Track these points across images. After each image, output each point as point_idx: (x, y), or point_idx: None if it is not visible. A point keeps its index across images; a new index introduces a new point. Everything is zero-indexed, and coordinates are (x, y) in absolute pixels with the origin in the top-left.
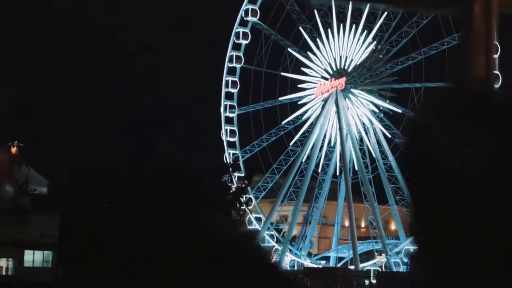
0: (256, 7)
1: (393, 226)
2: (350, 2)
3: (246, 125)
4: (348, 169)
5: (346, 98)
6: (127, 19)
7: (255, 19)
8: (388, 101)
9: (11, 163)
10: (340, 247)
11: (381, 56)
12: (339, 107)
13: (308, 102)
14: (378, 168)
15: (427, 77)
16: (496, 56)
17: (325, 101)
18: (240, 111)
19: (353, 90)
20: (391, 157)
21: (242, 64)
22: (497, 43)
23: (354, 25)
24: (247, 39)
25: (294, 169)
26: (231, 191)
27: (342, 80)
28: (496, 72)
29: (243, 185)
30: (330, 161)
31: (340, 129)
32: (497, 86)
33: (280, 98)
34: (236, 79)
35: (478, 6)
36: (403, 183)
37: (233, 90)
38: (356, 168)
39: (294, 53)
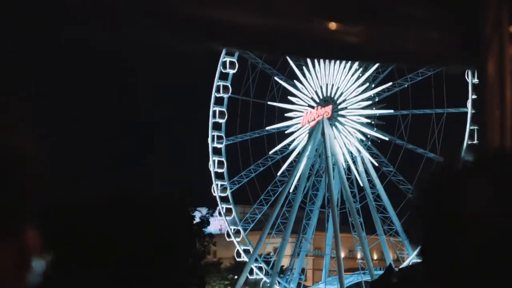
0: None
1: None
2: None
3: (234, 155)
4: (334, 199)
5: (333, 126)
6: None
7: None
8: (375, 129)
9: None
10: (329, 279)
11: (368, 83)
12: (325, 136)
13: (295, 131)
14: (366, 197)
15: (414, 104)
16: None
17: (312, 129)
18: (228, 142)
19: (339, 119)
20: (379, 186)
21: (229, 94)
22: None
23: None
24: (234, 69)
25: (281, 200)
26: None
27: (328, 108)
28: None
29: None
30: (318, 191)
31: (327, 158)
32: None
33: (267, 128)
34: (224, 109)
35: (491, 62)
36: (391, 212)
37: (220, 121)
38: (344, 198)
39: (280, 81)
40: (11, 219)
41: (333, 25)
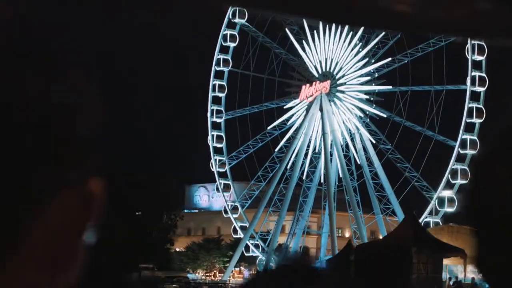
0: (244, 9)
1: (380, 236)
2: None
3: (233, 130)
4: (331, 176)
5: (331, 102)
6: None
7: (243, 21)
8: (374, 105)
9: None
10: (326, 257)
11: (367, 58)
12: (323, 112)
13: (294, 106)
14: (364, 175)
15: (413, 81)
16: (483, 58)
17: (310, 105)
18: (227, 116)
19: (338, 94)
20: (377, 164)
21: (230, 67)
22: (484, 44)
23: (340, 27)
24: (235, 42)
25: (277, 176)
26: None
27: (327, 83)
28: (483, 74)
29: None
30: (316, 168)
31: (324, 134)
32: (483, 89)
33: (266, 103)
34: (224, 83)
35: None
36: (388, 191)
37: (220, 95)
38: (340, 175)
39: (280, 55)
40: (75, 165)
41: None
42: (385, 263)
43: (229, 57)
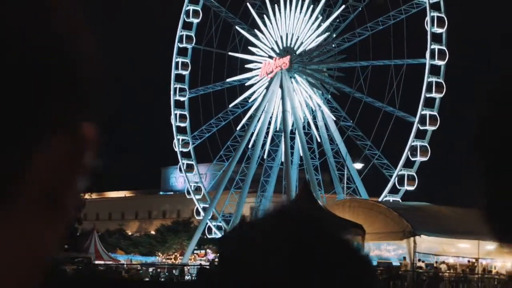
0: None
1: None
2: None
3: (195, 109)
4: (289, 154)
5: (292, 79)
6: None
7: None
8: (335, 81)
9: None
10: None
11: (328, 33)
12: (283, 88)
13: (255, 83)
14: (325, 153)
15: (374, 56)
16: (443, 30)
17: (270, 82)
18: (191, 94)
19: (299, 70)
20: (338, 141)
21: (193, 44)
22: (445, 17)
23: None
24: (198, 18)
25: (237, 155)
26: None
27: (286, 59)
28: (443, 47)
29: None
30: (278, 147)
31: (284, 112)
32: (443, 62)
33: (228, 80)
34: (187, 60)
35: None
36: (351, 170)
37: (184, 72)
38: (301, 154)
39: (241, 31)
40: (67, 108)
41: None
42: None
43: (192, 34)
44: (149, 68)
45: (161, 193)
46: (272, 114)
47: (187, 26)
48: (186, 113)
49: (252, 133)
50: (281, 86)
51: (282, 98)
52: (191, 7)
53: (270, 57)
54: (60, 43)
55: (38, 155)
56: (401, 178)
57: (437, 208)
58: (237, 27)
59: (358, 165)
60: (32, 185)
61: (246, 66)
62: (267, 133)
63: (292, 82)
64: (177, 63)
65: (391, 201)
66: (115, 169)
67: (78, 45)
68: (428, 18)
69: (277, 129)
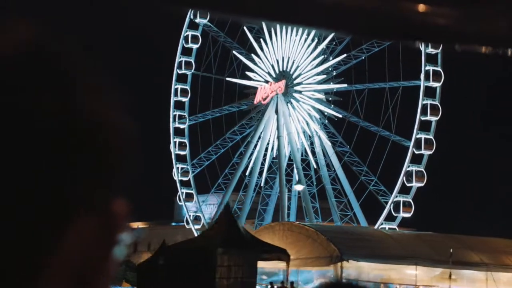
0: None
1: None
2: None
3: (194, 136)
4: (284, 181)
5: (288, 104)
6: None
7: (204, 21)
8: (332, 105)
9: None
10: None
11: (324, 56)
12: (278, 114)
13: (253, 109)
14: (322, 180)
15: (371, 78)
16: (438, 51)
17: (266, 107)
18: (190, 122)
19: (295, 95)
20: (336, 168)
21: (193, 70)
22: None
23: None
24: (197, 43)
25: (232, 184)
26: None
27: (282, 83)
28: (438, 68)
29: None
30: (276, 174)
31: (279, 137)
32: (438, 84)
33: (226, 106)
34: (187, 87)
35: None
36: (350, 197)
37: (183, 99)
38: (296, 181)
39: (239, 56)
40: (97, 188)
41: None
42: (188, 266)
43: (192, 60)
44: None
45: (173, 223)
46: (269, 141)
47: (186, 51)
48: (185, 140)
49: (250, 161)
50: (276, 111)
51: (277, 123)
52: (190, 33)
53: (267, 81)
54: (91, 124)
55: (68, 237)
56: (397, 205)
57: (376, 232)
58: (234, 51)
59: (299, 187)
60: (61, 269)
61: (244, 91)
62: (265, 159)
63: (288, 107)
64: (176, 89)
65: (387, 229)
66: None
67: (110, 128)
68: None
69: (274, 156)
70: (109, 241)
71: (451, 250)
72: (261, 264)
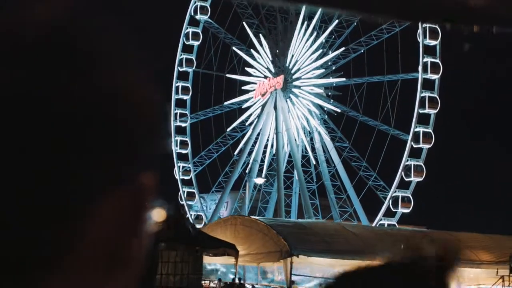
0: (206, 4)
1: None
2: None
3: (195, 134)
4: (282, 178)
5: (287, 99)
6: None
7: (205, 17)
8: (331, 100)
9: None
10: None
11: (323, 50)
12: (277, 109)
13: (252, 105)
14: (322, 177)
15: (370, 72)
16: (436, 42)
17: (265, 103)
18: (192, 120)
19: (294, 90)
20: (336, 161)
21: (194, 67)
22: (438, 28)
23: (294, 16)
24: (198, 40)
25: (231, 182)
26: None
27: (280, 78)
28: (436, 60)
29: None
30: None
31: (277, 134)
32: (437, 76)
33: (226, 103)
34: (188, 85)
35: None
36: (351, 194)
37: (185, 97)
38: (296, 178)
39: (239, 52)
40: (125, 162)
41: None
42: None
43: (193, 57)
44: None
45: None
46: (269, 137)
47: (187, 48)
48: (187, 139)
49: (249, 158)
50: (275, 107)
51: (276, 119)
52: (190, 30)
53: (266, 77)
54: (117, 102)
55: (98, 214)
56: (395, 200)
57: (336, 227)
58: (234, 48)
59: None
60: (93, 241)
61: (243, 88)
62: (265, 156)
63: (287, 103)
64: (177, 87)
65: (386, 225)
66: None
67: (137, 102)
68: (420, 30)
69: (274, 152)
70: (139, 216)
71: (402, 246)
72: (212, 260)
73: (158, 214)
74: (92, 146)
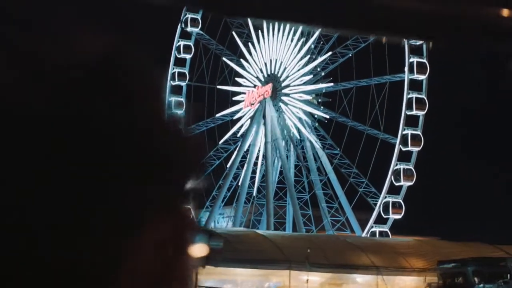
0: (197, 16)
1: None
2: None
3: None
4: (270, 189)
5: (277, 107)
6: None
7: (196, 29)
8: (322, 107)
9: None
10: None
11: (312, 56)
12: (266, 119)
13: (243, 116)
14: (313, 186)
15: (358, 76)
16: (422, 41)
17: (255, 112)
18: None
19: (283, 98)
20: (328, 169)
21: (187, 81)
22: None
23: (282, 23)
24: (190, 53)
25: (221, 195)
26: None
27: (268, 87)
28: (423, 60)
29: None
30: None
31: (266, 143)
32: (424, 76)
33: (218, 115)
34: (182, 99)
35: None
36: (343, 202)
37: (178, 112)
38: (287, 189)
39: (229, 62)
40: (171, 190)
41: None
42: None
43: (186, 70)
44: None
45: None
46: (260, 148)
47: (179, 62)
48: None
49: (239, 169)
50: (264, 116)
51: (265, 128)
52: (182, 43)
53: (256, 86)
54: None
55: (144, 238)
56: (386, 206)
57: (251, 235)
58: (224, 58)
59: None
60: (137, 271)
61: (234, 98)
62: (257, 167)
63: (276, 111)
64: (170, 102)
65: (377, 232)
66: None
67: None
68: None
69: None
70: (183, 242)
71: (308, 251)
72: None
73: (199, 249)
74: (144, 171)
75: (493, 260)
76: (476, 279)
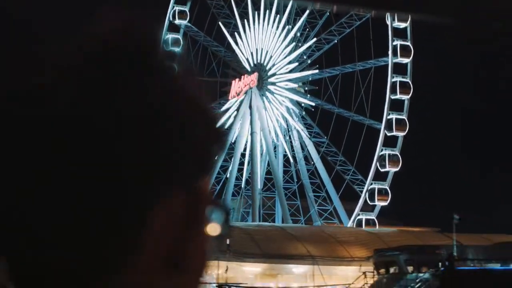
0: (185, 8)
1: None
2: None
3: None
4: (257, 180)
5: (263, 97)
6: None
7: (184, 22)
8: (308, 95)
9: None
10: None
11: (297, 43)
12: (252, 109)
13: (230, 107)
14: (301, 177)
15: (344, 62)
16: (406, 25)
17: (241, 102)
18: None
19: (270, 87)
20: (315, 157)
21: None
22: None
23: (267, 11)
24: (178, 46)
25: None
26: None
27: (254, 76)
28: (407, 43)
29: None
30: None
31: (252, 134)
32: (408, 60)
33: None
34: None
35: None
36: (331, 192)
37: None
38: (274, 180)
39: (217, 53)
40: (186, 166)
41: None
42: None
43: (175, 66)
44: None
45: None
46: (247, 138)
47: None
48: None
49: (227, 161)
50: (250, 106)
51: (251, 118)
52: (170, 36)
53: (242, 75)
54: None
55: (158, 217)
56: (371, 193)
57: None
58: (212, 49)
59: None
60: (153, 251)
61: (222, 89)
62: (245, 159)
63: (263, 101)
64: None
65: (364, 220)
66: None
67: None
68: (388, 13)
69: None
70: (199, 219)
71: (227, 242)
72: None
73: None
74: (155, 148)
75: (428, 248)
76: (409, 268)
